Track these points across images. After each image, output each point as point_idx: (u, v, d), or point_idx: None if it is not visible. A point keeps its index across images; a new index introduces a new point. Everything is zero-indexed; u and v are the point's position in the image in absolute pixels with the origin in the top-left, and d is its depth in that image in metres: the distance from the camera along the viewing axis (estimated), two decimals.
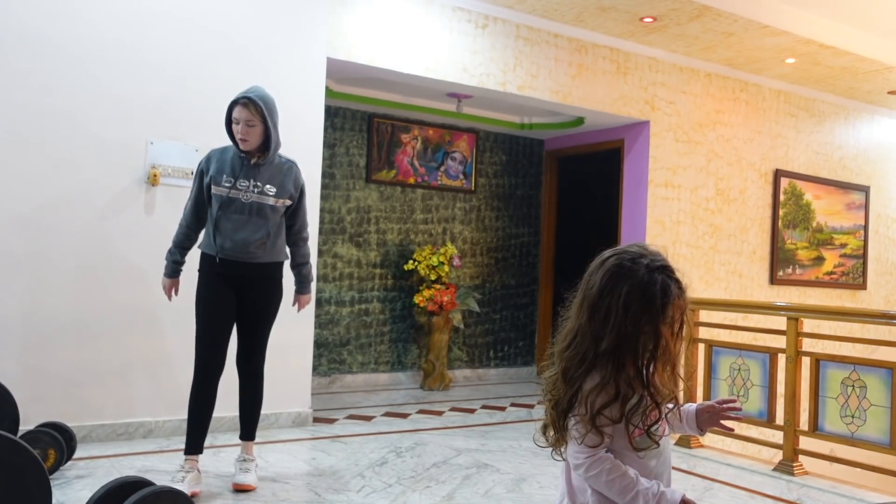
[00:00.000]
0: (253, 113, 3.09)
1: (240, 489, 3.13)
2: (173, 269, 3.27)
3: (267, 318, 3.28)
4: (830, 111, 7.50)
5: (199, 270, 3.25)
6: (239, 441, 3.34)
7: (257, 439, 3.50)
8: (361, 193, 6.16)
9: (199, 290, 3.21)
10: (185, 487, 2.92)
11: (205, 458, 3.55)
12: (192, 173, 4.04)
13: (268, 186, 3.17)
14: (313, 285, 3.51)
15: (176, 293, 3.30)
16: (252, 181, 3.15)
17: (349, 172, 6.11)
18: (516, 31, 5.43)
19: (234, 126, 3.12)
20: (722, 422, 1.60)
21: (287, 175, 3.25)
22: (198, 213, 3.22)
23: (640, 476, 1.44)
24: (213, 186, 3.14)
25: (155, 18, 4.01)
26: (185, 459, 3.11)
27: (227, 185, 3.13)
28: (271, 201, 3.18)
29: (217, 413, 4.22)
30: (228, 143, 3.24)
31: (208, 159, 3.21)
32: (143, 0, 3.99)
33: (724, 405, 1.58)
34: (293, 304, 3.46)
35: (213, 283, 3.18)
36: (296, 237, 3.35)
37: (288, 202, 3.24)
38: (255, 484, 3.17)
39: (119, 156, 3.92)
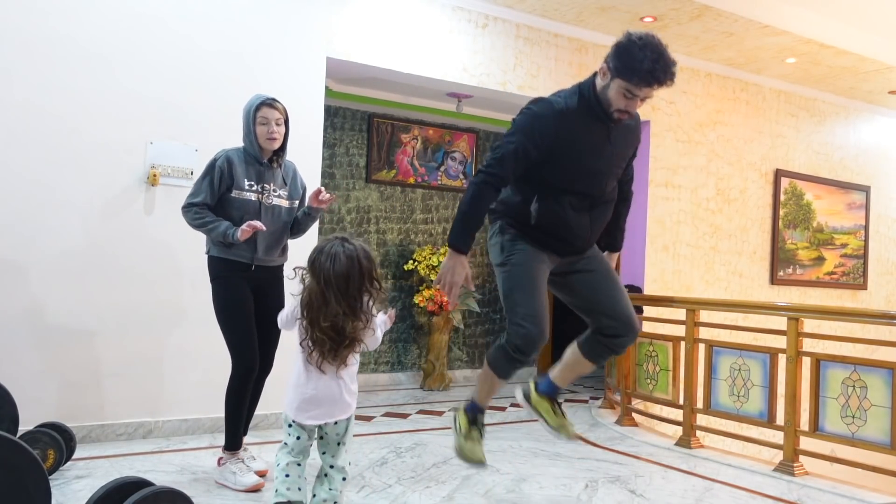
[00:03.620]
0: (281, 112, 3.23)
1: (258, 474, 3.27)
2: (229, 225, 3.12)
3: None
4: (831, 111, 7.49)
5: (218, 277, 3.22)
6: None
7: (257, 440, 3.53)
8: (361, 193, 6.16)
9: (225, 297, 3.20)
10: (249, 480, 3.11)
11: (205, 458, 3.56)
12: (192, 173, 4.07)
13: (282, 190, 3.30)
14: None
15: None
16: (272, 185, 3.25)
17: (349, 172, 6.11)
18: (516, 31, 5.42)
19: (260, 127, 3.17)
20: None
21: (295, 177, 3.41)
22: (207, 207, 3.16)
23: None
24: (235, 191, 3.15)
25: (154, 19, 4.01)
26: (232, 454, 3.21)
27: (253, 190, 3.18)
28: (286, 204, 3.31)
29: (217, 413, 4.23)
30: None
31: (229, 161, 3.15)
32: (143, 0, 3.99)
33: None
34: (315, 203, 3.34)
35: (239, 289, 3.20)
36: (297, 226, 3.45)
37: (296, 203, 3.38)
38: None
39: (119, 156, 3.92)
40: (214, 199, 3.15)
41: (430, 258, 6.03)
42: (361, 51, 4.74)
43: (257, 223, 3.07)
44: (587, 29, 5.68)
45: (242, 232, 3.04)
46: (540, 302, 2.70)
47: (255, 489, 3.10)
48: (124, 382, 3.92)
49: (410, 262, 6.11)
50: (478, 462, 2.94)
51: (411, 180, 6.40)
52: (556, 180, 2.71)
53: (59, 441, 3.09)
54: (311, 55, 4.50)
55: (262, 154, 3.21)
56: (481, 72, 5.26)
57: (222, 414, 3.82)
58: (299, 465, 2.49)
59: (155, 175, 3.96)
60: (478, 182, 2.66)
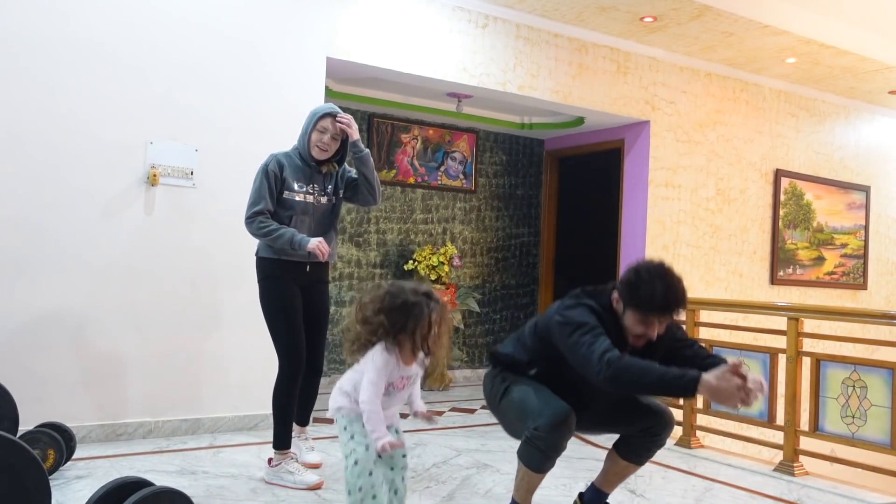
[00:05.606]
0: (336, 128, 3.28)
1: (311, 467, 3.37)
2: (303, 235, 3.21)
3: (327, 316, 3.48)
4: (831, 111, 7.49)
5: (268, 277, 3.26)
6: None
7: (257, 440, 3.56)
8: None
9: (274, 296, 3.25)
10: (310, 479, 3.17)
11: (205, 458, 3.56)
12: (192, 173, 4.08)
13: (330, 187, 3.38)
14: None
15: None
16: (320, 185, 3.33)
17: None
18: (516, 31, 5.42)
19: (315, 134, 3.25)
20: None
21: (342, 176, 3.45)
22: (269, 213, 3.22)
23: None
24: (286, 192, 3.24)
25: (155, 18, 4.01)
26: (284, 454, 3.25)
27: (303, 191, 3.27)
28: (332, 202, 3.39)
29: (218, 413, 4.23)
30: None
31: (279, 164, 3.23)
32: (143, 0, 3.99)
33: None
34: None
35: (288, 290, 3.26)
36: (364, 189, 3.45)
37: (340, 194, 3.43)
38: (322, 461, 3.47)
39: (119, 156, 3.92)
40: (274, 203, 3.22)
41: (430, 258, 6.03)
42: (361, 51, 4.74)
43: (325, 247, 3.17)
44: (587, 29, 5.68)
45: (315, 248, 3.14)
46: (555, 398, 2.52)
47: (316, 487, 3.15)
48: (124, 382, 3.91)
49: (410, 262, 6.10)
50: None
51: (411, 180, 6.40)
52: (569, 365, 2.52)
53: (58, 441, 3.08)
54: (311, 55, 4.50)
55: (310, 157, 3.29)
56: (481, 72, 5.25)
57: (221, 414, 3.86)
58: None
59: (155, 175, 3.96)
60: (614, 367, 2.32)
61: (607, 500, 2.90)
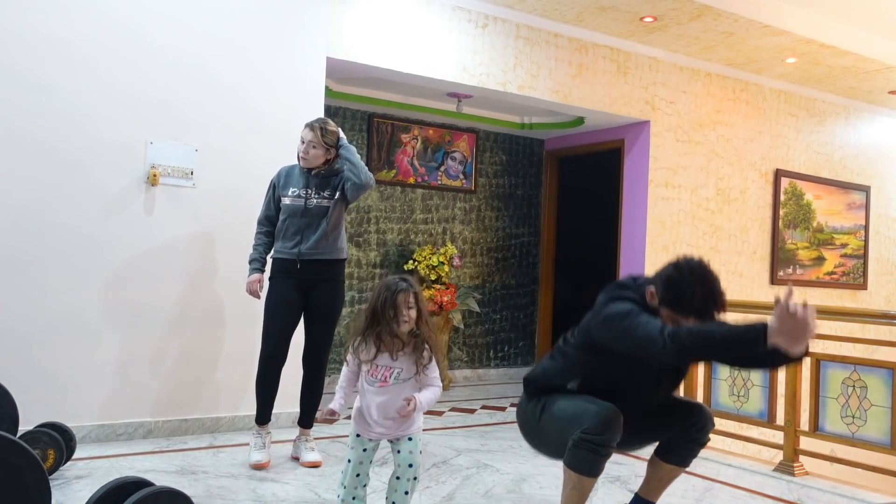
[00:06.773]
0: (315, 135, 3.48)
1: (311, 465, 3.52)
2: (255, 267, 3.63)
3: (332, 314, 3.64)
4: (831, 111, 7.49)
5: (270, 276, 3.62)
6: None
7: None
8: None
9: (268, 290, 3.61)
10: (254, 458, 3.45)
11: (205, 458, 3.56)
12: (192, 173, 4.11)
13: (326, 192, 3.53)
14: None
15: (261, 288, 3.61)
16: (315, 189, 3.53)
17: None
18: (516, 31, 5.42)
19: (300, 144, 3.52)
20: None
21: (340, 176, 3.58)
22: (269, 220, 3.64)
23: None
24: (283, 198, 3.57)
25: (154, 19, 4.01)
26: (259, 429, 3.56)
27: (295, 195, 3.53)
28: (326, 203, 3.53)
29: (218, 413, 4.24)
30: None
31: (279, 175, 3.64)
32: (143, 1, 3.99)
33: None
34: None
35: (278, 290, 3.57)
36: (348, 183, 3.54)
37: (337, 195, 3.54)
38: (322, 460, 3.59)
39: (119, 156, 3.92)
40: (274, 209, 3.62)
41: (430, 258, 6.03)
42: (362, 51, 4.74)
43: (254, 287, 3.57)
44: (587, 29, 5.68)
45: (247, 285, 3.59)
46: (597, 400, 2.43)
47: (256, 467, 3.41)
48: (124, 382, 3.91)
49: (410, 262, 6.10)
50: None
51: (411, 180, 6.40)
52: (609, 370, 2.49)
53: (59, 441, 3.08)
54: (311, 55, 4.50)
55: (302, 165, 3.56)
56: (481, 72, 5.25)
57: (221, 414, 3.95)
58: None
59: (155, 175, 3.96)
60: (678, 337, 2.18)
61: None
